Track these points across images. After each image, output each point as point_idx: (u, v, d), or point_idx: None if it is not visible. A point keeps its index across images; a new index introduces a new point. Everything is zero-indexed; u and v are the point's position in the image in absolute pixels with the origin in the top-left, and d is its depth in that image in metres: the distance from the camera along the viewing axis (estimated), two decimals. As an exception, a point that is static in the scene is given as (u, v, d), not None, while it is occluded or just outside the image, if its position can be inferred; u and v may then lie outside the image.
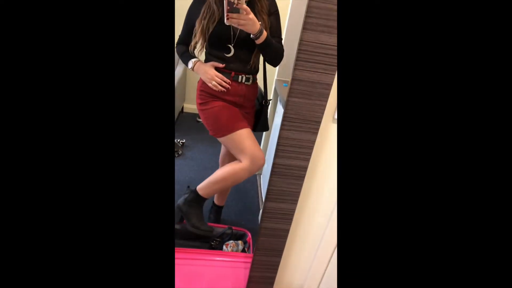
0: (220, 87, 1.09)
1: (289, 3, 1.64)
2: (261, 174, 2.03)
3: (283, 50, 1.11)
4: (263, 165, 1.13)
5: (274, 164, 0.75)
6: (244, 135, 1.09)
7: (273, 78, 1.80)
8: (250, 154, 1.07)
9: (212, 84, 1.09)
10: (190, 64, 1.14)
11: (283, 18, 1.59)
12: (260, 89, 1.26)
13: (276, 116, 1.73)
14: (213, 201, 1.54)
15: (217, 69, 1.11)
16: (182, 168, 1.98)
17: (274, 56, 1.09)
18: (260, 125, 1.25)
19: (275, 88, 1.80)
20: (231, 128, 1.09)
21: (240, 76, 1.11)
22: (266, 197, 0.78)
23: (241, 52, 1.08)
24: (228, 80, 1.09)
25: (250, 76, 1.13)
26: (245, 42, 1.05)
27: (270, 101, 1.26)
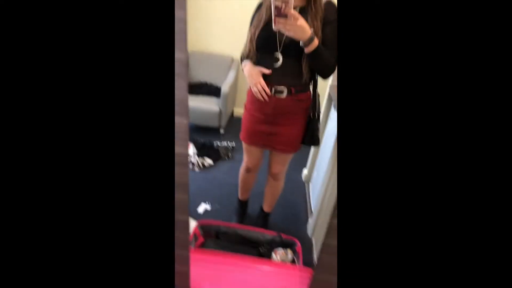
0: (259, 95, 1.06)
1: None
2: (309, 181, 1.97)
3: (335, 63, 1.01)
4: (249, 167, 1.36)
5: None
6: (246, 148, 1.29)
7: (326, 84, 1.74)
8: (245, 161, 1.36)
9: (254, 90, 1.07)
10: (242, 66, 1.13)
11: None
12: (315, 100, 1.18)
13: (329, 122, 1.66)
14: (261, 207, 1.54)
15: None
16: (231, 171, 2.01)
17: (324, 67, 1.01)
18: (307, 138, 1.18)
19: (329, 94, 1.73)
20: (244, 138, 1.24)
21: (273, 88, 1.05)
22: (332, 214, 0.74)
23: (289, 63, 1.02)
24: (269, 92, 1.05)
25: (284, 89, 1.05)
26: (293, 50, 0.98)
27: (319, 115, 1.17)
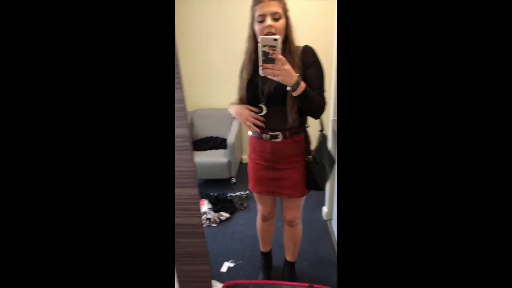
0: (254, 127, 1.08)
1: (334, 44, 1.65)
2: (331, 219, 1.89)
3: (324, 103, 1.03)
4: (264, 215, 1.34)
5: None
6: (257, 197, 1.30)
7: (328, 119, 1.76)
8: (259, 210, 1.35)
9: (247, 124, 1.08)
10: (229, 110, 1.15)
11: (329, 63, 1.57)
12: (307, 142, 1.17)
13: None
14: (285, 258, 1.46)
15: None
16: (249, 222, 1.95)
17: (313, 108, 1.02)
18: (308, 182, 1.15)
19: (332, 129, 1.74)
20: (252, 188, 1.25)
21: (264, 135, 1.09)
22: None
23: (276, 109, 1.05)
24: (261, 118, 1.07)
25: (279, 133, 1.08)
26: (277, 98, 1.02)
27: (315, 158, 1.14)
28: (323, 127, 1.19)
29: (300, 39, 1.08)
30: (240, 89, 1.10)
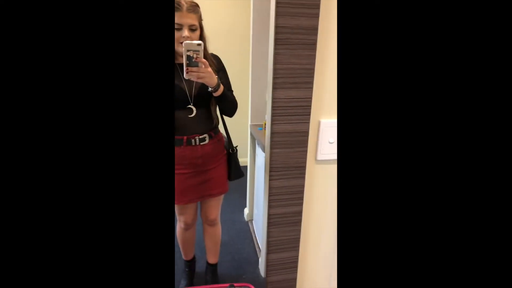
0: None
1: (250, 52, 1.77)
2: (252, 220, 1.99)
3: (236, 101, 1.19)
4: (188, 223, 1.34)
5: (269, 215, 0.75)
6: (181, 208, 1.30)
7: (247, 123, 1.87)
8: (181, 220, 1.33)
9: None
10: None
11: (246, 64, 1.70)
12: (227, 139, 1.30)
13: (257, 158, 1.77)
14: (207, 261, 1.47)
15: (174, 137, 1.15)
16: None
17: (231, 107, 1.16)
18: (233, 174, 1.28)
19: (251, 133, 1.85)
20: (178, 201, 1.24)
21: (193, 140, 1.13)
22: (267, 250, 0.77)
23: (201, 110, 1.12)
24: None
25: (206, 135, 1.15)
26: (203, 99, 1.10)
27: (237, 148, 1.32)
28: (226, 126, 1.29)
29: (218, 47, 1.16)
30: None
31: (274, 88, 0.66)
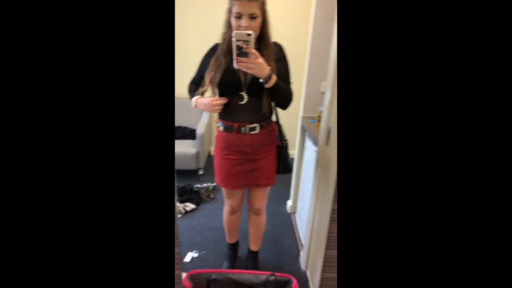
0: (219, 108, 1.08)
1: (308, 39, 1.70)
2: (295, 212, 1.96)
3: (292, 93, 1.12)
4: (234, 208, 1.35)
5: (333, 210, 0.71)
6: (228, 192, 1.29)
7: (298, 115, 1.82)
8: (228, 204, 1.35)
9: (215, 108, 1.08)
10: (193, 102, 1.17)
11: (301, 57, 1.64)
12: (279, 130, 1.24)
13: (306, 151, 1.72)
14: (248, 248, 1.49)
15: (222, 119, 1.15)
16: (215, 213, 1.95)
17: (283, 99, 1.09)
18: (281, 167, 1.23)
19: (301, 126, 1.80)
20: (225, 185, 1.24)
21: (243, 128, 1.11)
22: (326, 246, 0.74)
23: (253, 99, 1.08)
24: (225, 100, 1.08)
25: (256, 125, 1.12)
26: (256, 88, 1.05)
27: (287, 142, 1.24)
28: (278, 118, 1.24)
29: (276, 35, 1.12)
30: (211, 82, 1.09)
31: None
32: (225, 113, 1.13)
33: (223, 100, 1.08)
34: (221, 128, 1.16)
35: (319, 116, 1.53)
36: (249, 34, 0.89)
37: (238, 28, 0.99)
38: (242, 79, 1.06)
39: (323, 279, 0.74)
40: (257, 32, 1.02)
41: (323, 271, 0.74)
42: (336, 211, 0.71)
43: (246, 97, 1.08)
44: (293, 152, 1.90)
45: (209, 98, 1.09)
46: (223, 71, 1.07)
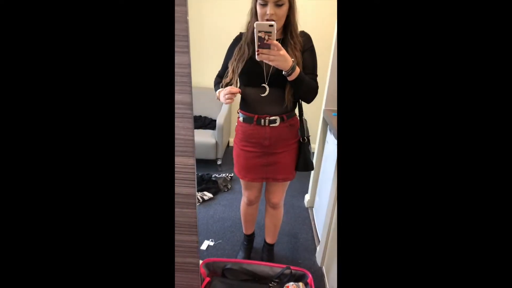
0: (231, 98, 1.01)
1: (334, 31, 1.64)
2: (312, 207, 1.94)
3: (317, 87, 1.06)
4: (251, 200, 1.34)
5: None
6: (246, 184, 1.28)
7: (320, 107, 1.78)
8: (245, 195, 1.34)
9: (226, 97, 1.01)
10: (216, 94, 1.12)
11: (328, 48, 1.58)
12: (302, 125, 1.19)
13: (327, 146, 1.68)
14: (264, 240, 1.49)
15: (242, 110, 1.11)
16: (232, 203, 1.97)
17: (307, 93, 1.04)
18: (300, 164, 1.18)
19: (323, 118, 1.76)
20: (243, 176, 1.22)
21: (262, 120, 1.08)
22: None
23: (275, 91, 1.05)
24: (236, 90, 1.02)
25: (277, 118, 1.08)
26: (278, 80, 1.01)
27: (309, 138, 1.18)
28: (302, 112, 1.19)
29: (304, 25, 1.07)
30: (233, 72, 1.06)
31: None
32: (246, 104, 1.11)
33: (235, 90, 1.01)
34: (241, 119, 1.14)
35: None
36: (271, 25, 0.86)
37: (263, 16, 0.96)
38: (265, 70, 1.03)
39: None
40: (283, 20, 0.98)
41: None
42: None
43: (268, 88, 1.05)
44: (314, 146, 1.86)
45: (225, 88, 1.03)
46: (246, 61, 1.04)
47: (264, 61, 0.93)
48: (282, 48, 0.90)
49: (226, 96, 1.01)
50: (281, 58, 0.91)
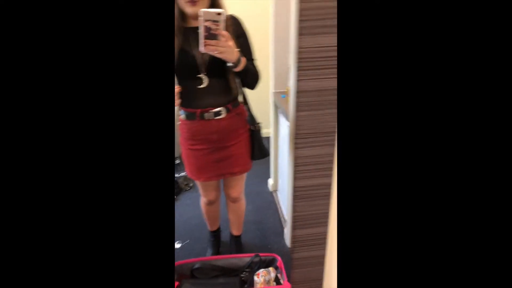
0: (178, 101, 0.95)
1: (270, 11, 1.61)
2: (276, 190, 1.95)
3: (259, 72, 1.03)
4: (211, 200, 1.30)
5: (294, 187, 0.67)
6: (201, 184, 1.24)
7: (267, 91, 1.75)
8: (204, 196, 1.30)
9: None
10: None
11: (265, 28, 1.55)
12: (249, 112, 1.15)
13: (281, 128, 1.67)
14: (230, 232, 1.46)
15: (183, 107, 1.03)
16: (195, 201, 1.90)
17: (254, 80, 1.01)
18: (255, 153, 1.14)
19: (274, 101, 1.74)
20: (196, 177, 1.17)
21: (206, 114, 1.01)
22: (292, 225, 0.71)
23: (215, 81, 0.98)
24: (177, 88, 0.95)
25: (222, 109, 1.01)
26: (216, 68, 0.95)
27: (260, 125, 1.15)
28: (246, 98, 1.14)
29: (235, 7, 1.01)
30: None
31: (300, 35, 0.53)
32: (185, 100, 1.02)
33: (177, 89, 0.95)
34: (183, 117, 1.06)
35: (288, 90, 1.47)
36: (219, 13, 0.79)
37: None
38: (199, 60, 0.95)
39: (294, 259, 0.72)
40: (208, 3, 0.92)
41: (293, 251, 0.72)
42: (298, 188, 0.67)
43: (206, 79, 0.98)
44: (268, 130, 1.85)
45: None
46: (177, 54, 0.95)
47: (210, 53, 0.86)
48: (230, 38, 0.84)
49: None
50: (229, 50, 0.85)
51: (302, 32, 0.54)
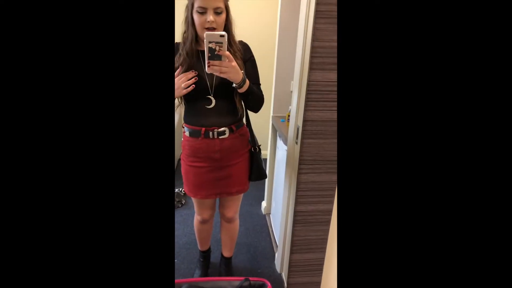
0: (190, 83, 0.97)
1: (276, 39, 1.69)
2: (269, 213, 1.94)
3: (263, 96, 1.07)
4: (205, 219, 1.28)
5: (295, 212, 0.68)
6: (198, 202, 1.23)
7: (268, 115, 1.80)
8: (198, 214, 1.28)
9: (183, 86, 0.97)
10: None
11: (270, 52, 1.61)
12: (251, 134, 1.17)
13: (278, 151, 1.70)
14: (221, 254, 1.43)
15: (187, 124, 1.07)
16: (186, 219, 1.87)
17: (257, 103, 1.04)
18: (254, 174, 1.16)
19: (272, 125, 1.78)
20: (194, 194, 1.17)
21: (211, 132, 1.04)
22: (290, 250, 0.71)
23: (222, 102, 1.01)
24: (192, 73, 0.97)
25: (225, 129, 1.04)
26: (224, 91, 0.99)
27: (260, 147, 1.17)
28: (249, 121, 1.18)
29: (243, 34, 1.07)
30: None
31: (311, 69, 0.58)
32: (191, 117, 1.06)
33: (191, 74, 0.96)
34: (187, 133, 1.08)
35: (289, 115, 1.51)
36: (222, 35, 0.83)
37: (203, 24, 0.93)
38: (209, 81, 0.99)
39: (289, 285, 0.72)
40: (222, 28, 0.97)
41: (289, 276, 0.71)
42: (299, 213, 0.69)
43: (213, 100, 1.02)
44: (266, 152, 1.88)
45: (177, 78, 0.97)
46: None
47: (214, 73, 0.89)
48: (233, 59, 0.88)
49: (183, 84, 0.96)
50: (233, 70, 0.88)
51: (312, 67, 0.59)
